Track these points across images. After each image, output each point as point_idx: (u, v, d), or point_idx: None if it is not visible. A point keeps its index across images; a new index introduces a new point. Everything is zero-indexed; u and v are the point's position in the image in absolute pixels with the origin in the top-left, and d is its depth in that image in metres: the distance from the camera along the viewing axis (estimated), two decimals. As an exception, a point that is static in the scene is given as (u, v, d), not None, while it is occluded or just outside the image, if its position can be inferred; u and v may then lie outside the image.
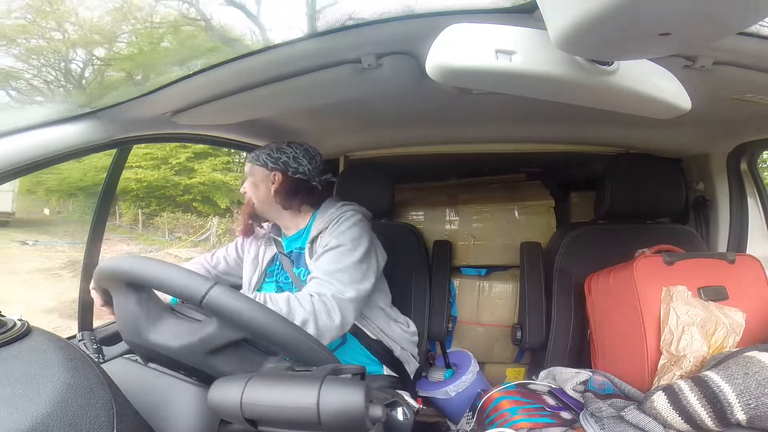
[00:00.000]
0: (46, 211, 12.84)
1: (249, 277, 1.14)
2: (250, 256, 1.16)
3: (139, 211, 12.12)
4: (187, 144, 11.34)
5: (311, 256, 1.03)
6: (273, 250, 1.13)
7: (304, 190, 1.08)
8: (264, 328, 0.49)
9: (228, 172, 11.68)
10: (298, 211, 1.10)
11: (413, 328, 1.21)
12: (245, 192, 1.11)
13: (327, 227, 1.03)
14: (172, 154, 11.49)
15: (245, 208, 1.13)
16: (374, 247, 1.06)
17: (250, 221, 1.14)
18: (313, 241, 1.04)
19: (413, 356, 1.19)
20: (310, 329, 0.86)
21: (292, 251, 1.10)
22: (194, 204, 11.72)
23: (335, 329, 0.89)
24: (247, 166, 1.11)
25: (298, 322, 0.83)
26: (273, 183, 1.07)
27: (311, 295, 0.89)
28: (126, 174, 11.07)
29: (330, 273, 0.94)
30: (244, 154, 1.38)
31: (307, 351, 0.51)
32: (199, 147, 11.51)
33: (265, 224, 1.18)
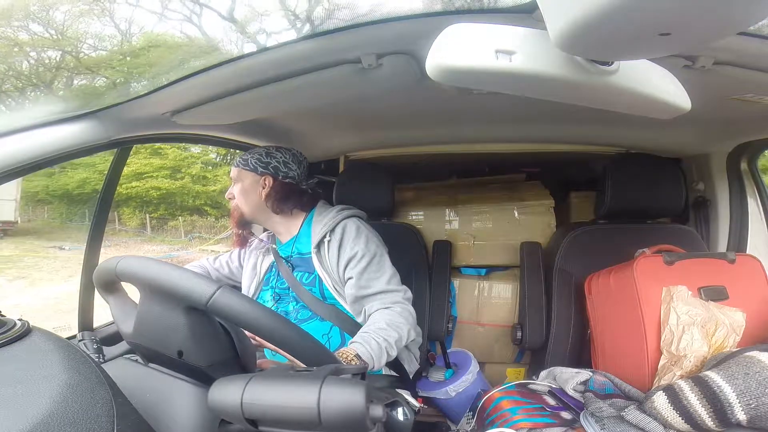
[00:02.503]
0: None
1: (247, 285, 1.15)
2: (249, 265, 1.16)
3: (147, 215, 12.58)
4: (195, 154, 12.47)
5: (320, 261, 1.05)
6: (271, 258, 1.13)
7: (295, 194, 1.09)
8: (264, 329, 0.50)
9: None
10: (289, 215, 1.10)
11: (417, 328, 1.21)
12: (231, 198, 1.10)
13: (333, 230, 1.05)
14: (184, 164, 12.47)
15: (233, 216, 1.13)
16: None
17: (240, 231, 1.14)
18: (319, 245, 1.05)
19: (414, 357, 1.19)
20: (414, 335, 1.01)
21: (290, 256, 1.10)
22: (204, 208, 12.53)
23: (414, 322, 1.02)
24: (234, 171, 1.10)
25: (406, 336, 0.96)
26: (264, 187, 1.07)
27: (388, 308, 0.99)
28: (146, 183, 11.86)
29: (386, 282, 1.02)
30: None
31: (310, 351, 0.52)
32: (208, 157, 12.84)
33: (263, 235, 1.18)
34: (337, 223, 1.06)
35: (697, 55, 0.68)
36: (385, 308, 0.99)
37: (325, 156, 1.58)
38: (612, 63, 0.51)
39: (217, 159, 13.08)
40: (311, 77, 0.79)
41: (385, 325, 0.93)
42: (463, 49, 0.48)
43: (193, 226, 12.43)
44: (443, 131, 1.33)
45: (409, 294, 1.05)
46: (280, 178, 1.07)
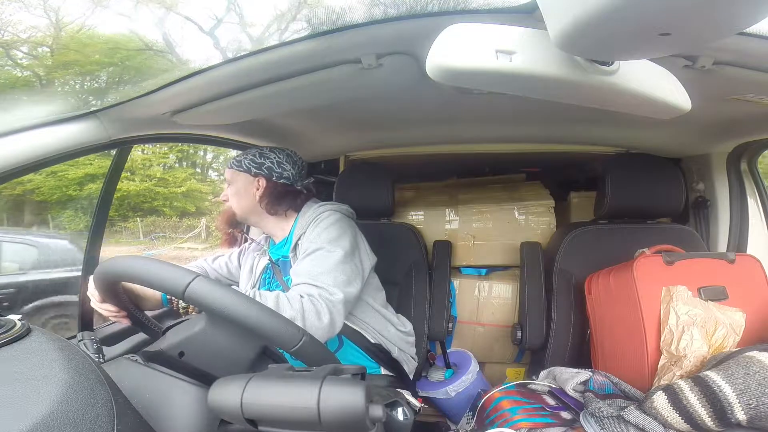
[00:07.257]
0: None
1: (244, 286, 1.15)
2: (247, 266, 1.16)
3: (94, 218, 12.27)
4: (151, 157, 12.37)
5: (295, 263, 1.01)
6: (266, 259, 1.12)
7: (290, 194, 1.07)
8: (238, 314, 0.51)
9: (198, 182, 12.87)
10: (284, 216, 1.08)
11: (409, 327, 1.20)
12: (225, 200, 1.09)
13: (305, 231, 1.01)
14: (141, 166, 12.41)
15: (223, 217, 1.12)
16: (358, 248, 1.03)
17: (230, 230, 1.13)
18: (295, 247, 1.02)
19: (411, 357, 1.19)
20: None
21: (279, 259, 1.09)
22: (163, 209, 12.47)
23: (323, 329, 0.85)
24: (228, 173, 1.09)
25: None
26: (257, 189, 1.05)
27: (301, 296, 0.87)
28: (97, 186, 11.46)
29: (313, 276, 0.90)
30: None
31: (285, 332, 0.53)
32: (169, 160, 12.90)
33: (260, 237, 1.18)
34: (311, 221, 1.02)
35: (697, 55, 0.68)
36: (297, 292, 0.87)
37: (325, 156, 1.59)
38: (612, 63, 0.51)
39: (174, 162, 13.04)
40: (311, 77, 0.79)
41: (274, 295, 0.83)
42: (463, 49, 0.48)
43: (155, 226, 12.20)
44: (443, 131, 1.33)
45: (335, 298, 0.88)
46: (274, 178, 1.05)
